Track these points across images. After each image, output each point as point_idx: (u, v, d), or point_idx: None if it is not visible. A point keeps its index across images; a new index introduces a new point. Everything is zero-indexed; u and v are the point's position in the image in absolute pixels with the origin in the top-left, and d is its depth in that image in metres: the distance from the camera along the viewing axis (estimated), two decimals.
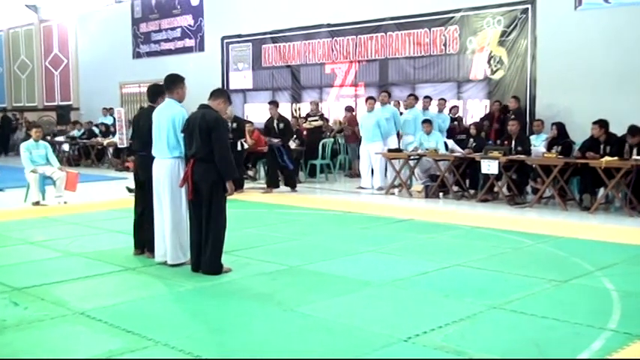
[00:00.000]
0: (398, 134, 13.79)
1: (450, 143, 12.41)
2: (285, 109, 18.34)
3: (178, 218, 6.78)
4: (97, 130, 21.16)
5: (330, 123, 16.65)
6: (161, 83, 7.19)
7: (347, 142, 15.86)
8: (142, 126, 7.29)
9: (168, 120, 6.75)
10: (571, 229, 8.77)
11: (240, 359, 4.33)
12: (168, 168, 6.77)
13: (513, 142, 11.36)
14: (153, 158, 6.92)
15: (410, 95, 14.39)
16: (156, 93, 7.33)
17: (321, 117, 16.25)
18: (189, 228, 6.70)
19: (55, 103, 27.16)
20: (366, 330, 4.83)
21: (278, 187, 13.24)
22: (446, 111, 14.43)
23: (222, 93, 6.94)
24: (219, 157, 6.39)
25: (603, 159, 10.00)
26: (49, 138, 18.85)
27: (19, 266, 6.99)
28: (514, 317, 5.11)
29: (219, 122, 6.53)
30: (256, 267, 6.77)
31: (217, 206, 6.47)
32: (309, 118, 16.05)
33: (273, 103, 13.95)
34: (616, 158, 10.00)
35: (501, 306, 5.36)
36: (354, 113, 16.02)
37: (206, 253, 6.47)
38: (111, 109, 22.11)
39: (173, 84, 6.95)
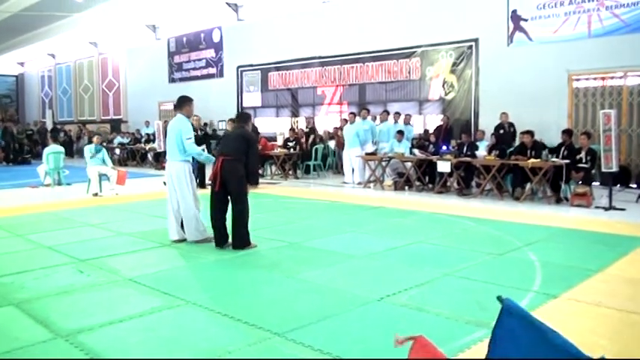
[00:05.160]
0: (375, 142, 13.77)
1: (417, 152, 12.44)
2: (286, 123, 18.38)
3: (188, 206, 6.78)
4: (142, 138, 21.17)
5: (321, 133, 16.67)
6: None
7: (338, 147, 15.92)
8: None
9: (177, 132, 6.76)
10: (505, 214, 8.81)
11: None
12: (178, 168, 6.80)
13: (465, 148, 11.44)
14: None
15: (384, 111, 14.43)
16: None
17: (312, 129, 16.31)
18: (211, 214, 6.63)
19: (109, 117, 27.09)
20: (349, 292, 4.85)
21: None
22: (401, 121, 14.37)
23: (248, 118, 7.05)
24: (252, 166, 6.56)
25: (530, 161, 10.06)
26: (104, 144, 18.80)
27: (83, 243, 6.99)
28: (462, 282, 5.14)
29: (255, 141, 6.75)
30: (264, 244, 6.77)
31: (242, 196, 6.48)
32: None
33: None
34: (539, 160, 10.05)
35: (452, 273, 5.39)
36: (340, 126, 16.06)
37: (236, 232, 6.48)
38: (147, 122, 22.16)
39: (182, 103, 6.96)
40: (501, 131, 12.54)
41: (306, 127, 16.58)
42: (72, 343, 3.80)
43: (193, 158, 7.05)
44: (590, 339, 3.74)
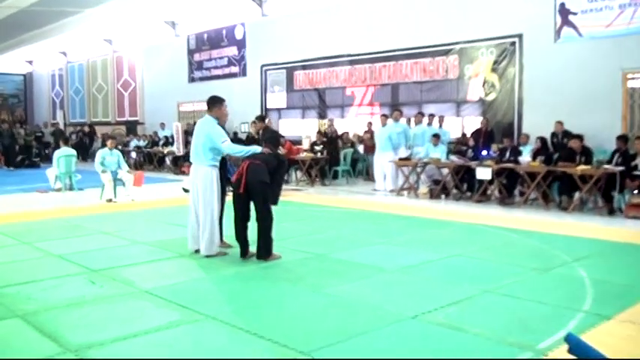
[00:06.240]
0: (408, 147, 13.69)
1: (454, 157, 12.33)
2: (313, 125, 18.38)
3: (210, 217, 6.69)
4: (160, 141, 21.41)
5: (351, 136, 16.69)
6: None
7: (365, 152, 15.91)
8: None
9: (205, 134, 6.71)
10: (552, 226, 8.68)
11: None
12: (204, 173, 6.72)
13: (508, 153, 11.32)
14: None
15: (418, 113, 14.37)
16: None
17: (324, 133, 16.33)
18: (235, 224, 6.61)
19: (125, 119, 27.45)
20: (380, 308, 4.81)
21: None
22: (435, 123, 14.30)
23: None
24: (276, 186, 6.65)
25: (579, 167, 9.90)
26: (120, 147, 19.08)
27: (96, 252, 7.06)
28: (504, 299, 5.07)
29: (286, 165, 7.13)
30: (289, 255, 6.76)
31: (265, 202, 6.47)
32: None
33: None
34: (589, 167, 9.90)
35: (493, 290, 5.31)
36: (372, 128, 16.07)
37: (259, 241, 6.49)
38: (163, 123, 22.36)
39: (212, 104, 6.94)
40: (554, 140, 12.32)
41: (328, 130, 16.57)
42: (82, 358, 3.83)
43: (221, 164, 6.96)
44: None
